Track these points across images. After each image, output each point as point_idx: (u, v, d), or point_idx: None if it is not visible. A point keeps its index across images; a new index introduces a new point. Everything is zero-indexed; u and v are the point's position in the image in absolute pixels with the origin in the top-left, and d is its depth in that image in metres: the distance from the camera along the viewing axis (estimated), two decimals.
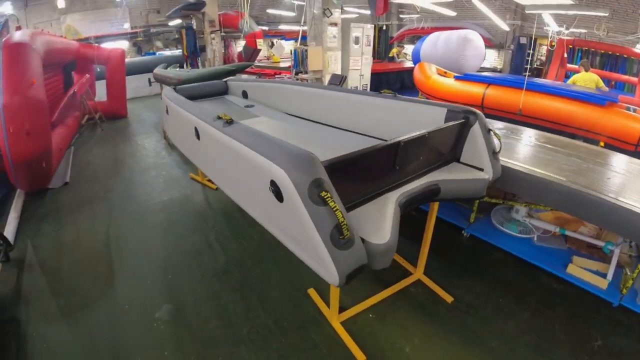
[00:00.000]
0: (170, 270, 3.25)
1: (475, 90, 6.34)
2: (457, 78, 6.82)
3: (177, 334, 2.57)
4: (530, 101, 5.50)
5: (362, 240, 1.59)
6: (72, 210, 4.51)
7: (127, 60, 8.66)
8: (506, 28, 8.52)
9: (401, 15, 13.28)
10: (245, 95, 4.73)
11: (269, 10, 13.67)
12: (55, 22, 10.75)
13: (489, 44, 11.05)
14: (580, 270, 2.81)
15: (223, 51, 9.41)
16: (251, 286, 3.02)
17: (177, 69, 7.36)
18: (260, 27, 9.65)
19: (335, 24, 5.87)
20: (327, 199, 1.38)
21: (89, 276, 3.25)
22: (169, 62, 8.98)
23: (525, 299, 2.80)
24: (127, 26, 11.65)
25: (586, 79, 5.85)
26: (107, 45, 9.53)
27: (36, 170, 4.44)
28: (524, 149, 3.41)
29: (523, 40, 10.21)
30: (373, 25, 7.01)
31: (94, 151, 6.76)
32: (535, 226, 3.24)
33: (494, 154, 2.38)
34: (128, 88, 8.78)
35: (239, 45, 10.68)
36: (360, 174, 1.89)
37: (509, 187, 2.82)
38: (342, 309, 2.71)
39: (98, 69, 8.34)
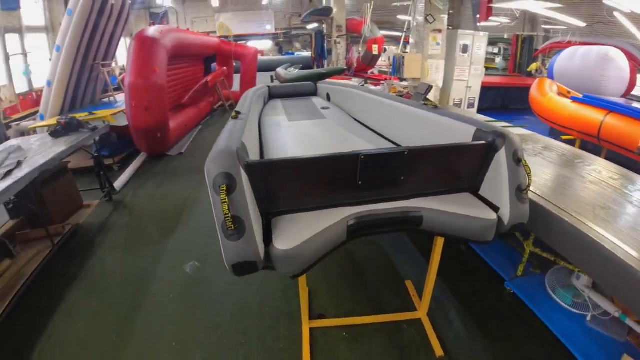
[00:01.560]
0: (212, 237, 3.65)
1: (593, 116, 4.95)
2: (574, 100, 5.47)
3: (187, 287, 3.07)
4: None
5: (270, 241, 1.58)
6: (174, 175, 5.57)
7: (260, 58, 9.78)
8: None
9: (545, 26, 11.34)
10: (328, 97, 4.89)
11: (400, 16, 13.43)
12: (210, 19, 12.90)
13: None
14: None
15: (345, 55, 9.76)
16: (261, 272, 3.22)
17: (291, 70, 7.99)
18: (394, 33, 9.63)
19: (439, 31, 5.47)
20: (221, 192, 1.42)
21: (159, 224, 4.20)
22: (295, 62, 9.78)
23: None
24: (269, 27, 13.13)
25: None
26: (253, 43, 11.03)
27: (153, 138, 5.53)
28: (599, 197, 2.41)
29: None
30: (486, 34, 6.23)
31: (215, 131, 7.94)
32: (594, 303, 2.44)
33: (518, 192, 1.82)
34: (258, 82, 9.94)
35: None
36: (306, 180, 1.77)
37: (549, 241, 2.19)
38: (320, 316, 2.68)
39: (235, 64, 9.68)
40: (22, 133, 6.01)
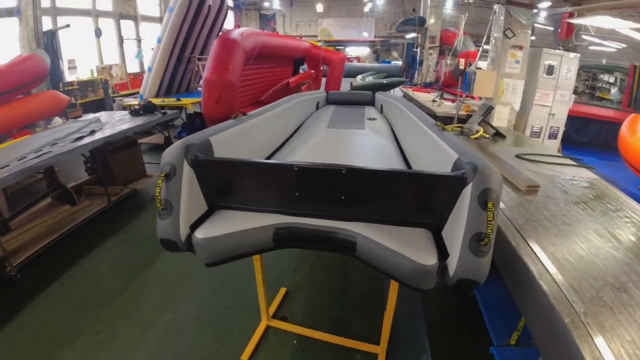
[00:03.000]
0: None
1: None
2: None
3: (193, 258, 3.56)
4: None
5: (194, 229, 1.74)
6: None
7: (349, 64, 9.92)
8: None
9: None
10: (381, 109, 4.82)
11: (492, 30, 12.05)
12: (314, 23, 13.47)
13: None
14: None
15: (435, 68, 9.30)
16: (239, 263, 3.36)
17: (368, 78, 7.94)
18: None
19: (521, 48, 4.85)
20: (160, 177, 1.66)
21: None
22: (379, 71, 9.67)
23: None
24: (365, 34, 13.15)
25: None
26: (352, 49, 11.22)
27: None
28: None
29: None
30: (578, 55, 5.24)
31: None
32: None
33: (473, 242, 1.46)
34: (343, 87, 10.11)
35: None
36: (249, 182, 1.86)
37: (525, 313, 1.70)
38: (284, 318, 2.72)
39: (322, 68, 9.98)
40: (124, 107, 7.22)
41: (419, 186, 1.68)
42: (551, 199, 2.55)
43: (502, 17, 4.79)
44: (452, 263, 1.48)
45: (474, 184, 1.49)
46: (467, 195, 1.50)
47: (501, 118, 5.26)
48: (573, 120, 7.83)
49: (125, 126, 4.37)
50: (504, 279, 2.01)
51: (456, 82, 8.98)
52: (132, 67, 10.88)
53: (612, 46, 9.52)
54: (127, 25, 10.85)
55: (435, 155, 2.09)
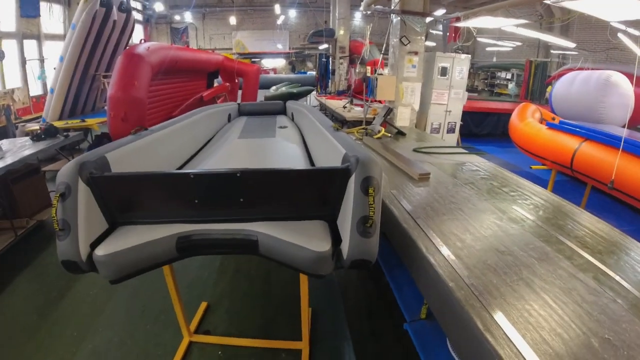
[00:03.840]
0: None
1: (568, 144, 4.56)
2: (549, 126, 5.04)
3: (108, 286, 3.24)
4: (632, 170, 3.66)
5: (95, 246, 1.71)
6: None
7: (263, 76, 10.05)
8: None
9: (555, 51, 10.76)
10: (292, 117, 4.97)
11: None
12: (228, 36, 13.50)
13: None
14: None
15: (345, 76, 9.84)
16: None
17: (282, 88, 8.14)
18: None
19: (416, 53, 5.39)
20: (55, 197, 1.64)
21: None
22: (296, 81, 9.96)
23: None
24: (280, 46, 13.52)
25: None
26: (267, 61, 11.40)
27: None
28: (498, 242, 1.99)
29: None
30: (468, 56, 6.04)
31: None
32: None
33: (360, 225, 1.63)
34: (259, 99, 10.18)
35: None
36: (146, 195, 1.85)
37: (421, 288, 1.93)
38: (206, 332, 2.71)
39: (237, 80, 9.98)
40: (27, 133, 6.54)
41: (310, 181, 1.84)
42: (441, 183, 2.92)
43: (398, 26, 5.28)
44: (345, 247, 1.65)
45: (356, 174, 1.68)
46: (352, 184, 1.68)
47: (403, 118, 5.77)
48: (473, 115, 8.82)
49: (26, 152, 4.04)
50: (402, 258, 2.25)
51: (366, 89, 9.62)
52: (35, 90, 9.85)
53: (506, 45, 10.88)
54: (30, 45, 9.83)
55: (329, 152, 2.28)
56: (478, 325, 1.33)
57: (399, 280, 3.08)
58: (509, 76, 14.21)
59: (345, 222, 1.68)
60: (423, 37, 5.40)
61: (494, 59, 14.71)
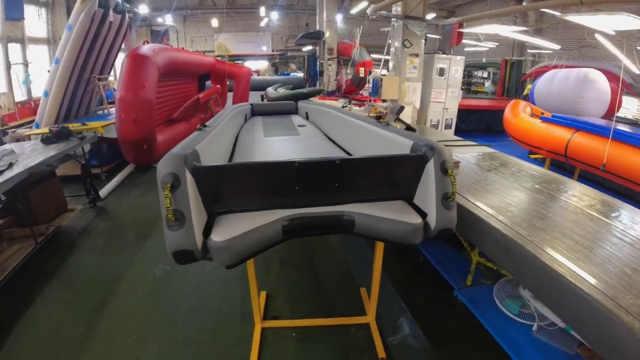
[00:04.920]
0: None
1: (560, 135, 5.17)
2: (542, 119, 5.69)
3: (154, 288, 3.25)
4: (619, 155, 4.27)
5: (208, 235, 1.78)
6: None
7: (253, 78, 10.13)
8: (637, 71, 6.68)
9: (532, 51, 11.69)
10: (307, 116, 5.14)
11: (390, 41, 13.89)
12: (210, 39, 13.43)
13: (629, 90, 8.95)
14: None
15: (335, 77, 10.12)
16: (231, 275, 3.36)
17: (279, 89, 8.28)
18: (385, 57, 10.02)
19: (417, 55, 5.77)
20: (165, 189, 1.66)
21: (136, 231, 4.40)
22: (287, 83, 10.12)
23: None
24: (264, 48, 13.62)
25: None
26: (250, 63, 11.47)
27: (140, 149, 5.76)
28: (539, 207, 2.50)
29: None
30: (463, 58, 6.54)
31: None
32: (540, 313, 2.47)
33: (444, 199, 1.98)
34: (251, 100, 10.23)
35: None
36: (249, 184, 1.97)
37: (492, 254, 2.26)
38: (274, 317, 2.84)
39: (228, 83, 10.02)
40: (18, 139, 6.24)
41: (393, 166, 2.12)
42: (470, 170, 3.33)
43: (400, 30, 5.63)
44: (432, 219, 1.97)
45: (435, 159, 2.03)
46: (431, 168, 2.02)
47: (406, 116, 6.11)
48: (459, 112, 9.39)
49: (45, 155, 3.91)
50: (460, 232, 2.59)
51: (356, 89, 9.94)
52: (20, 95, 9.30)
53: (485, 46, 11.61)
54: (13, 49, 9.27)
55: (389, 144, 2.54)
56: (540, 257, 1.78)
57: (438, 256, 3.46)
58: (485, 74, 15.10)
59: (429, 198, 2.01)
60: (423, 41, 5.78)
61: (484, 59, 15.36)
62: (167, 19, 13.78)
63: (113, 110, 7.32)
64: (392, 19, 5.68)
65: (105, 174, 6.02)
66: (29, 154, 3.99)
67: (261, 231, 1.88)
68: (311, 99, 7.33)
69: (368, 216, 2.00)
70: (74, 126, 6.05)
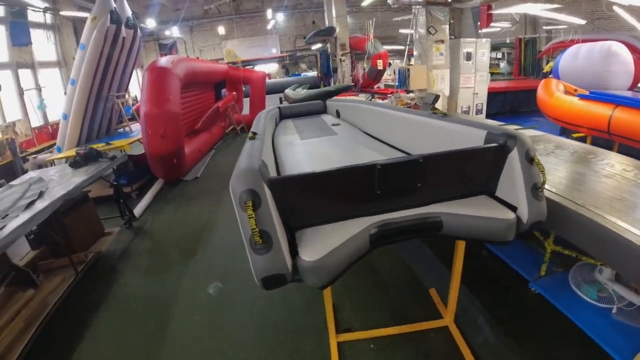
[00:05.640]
0: (234, 258, 3.78)
1: (601, 111, 4.92)
2: (580, 97, 5.45)
3: (210, 309, 3.09)
4: None
5: (296, 254, 1.62)
6: (191, 198, 5.69)
7: (268, 81, 10.02)
8: None
9: (546, 27, 11.34)
10: (338, 114, 4.98)
11: (402, 30, 13.62)
12: (218, 47, 13.37)
13: None
14: None
15: (351, 72, 9.94)
16: (283, 288, 3.19)
17: (299, 90, 8.15)
18: (397, 47, 9.84)
19: (442, 41, 5.56)
20: (247, 208, 1.49)
21: (179, 248, 4.26)
22: (302, 83, 9.99)
23: None
24: (274, 51, 13.52)
25: None
26: (260, 67, 11.37)
27: (169, 164, 5.68)
28: (614, 189, 2.42)
29: None
30: (488, 40, 6.30)
31: (228, 155, 8.12)
32: (619, 295, 2.40)
33: (534, 190, 1.84)
34: (268, 104, 10.14)
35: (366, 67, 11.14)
36: (325, 194, 1.81)
37: (570, 237, 2.17)
38: (347, 330, 2.66)
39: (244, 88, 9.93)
40: (40, 166, 6.22)
41: (474, 159, 1.95)
42: None
43: (422, 17, 5.43)
44: (523, 212, 1.82)
45: (519, 148, 1.85)
46: (515, 158, 1.85)
47: (437, 105, 5.92)
48: None
49: (76, 180, 3.78)
50: None
51: (373, 82, 9.76)
52: (35, 121, 9.34)
53: (500, 26, 11.31)
54: (24, 75, 9.31)
55: (452, 136, 2.35)
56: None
57: (505, 250, 3.26)
58: (499, 55, 14.76)
59: (516, 190, 1.85)
60: (447, 26, 5.57)
61: (508, 40, 14.99)
62: (174, 31, 13.76)
63: (134, 127, 7.29)
64: (414, 6, 5.47)
65: (136, 192, 5.94)
66: (59, 180, 3.87)
67: (351, 244, 1.71)
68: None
69: (456, 215, 1.85)
70: (98, 146, 6.00)
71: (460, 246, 2.36)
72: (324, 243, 1.67)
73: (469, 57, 6.11)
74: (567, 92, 6.04)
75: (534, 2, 4.93)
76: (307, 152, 3.32)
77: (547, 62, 11.40)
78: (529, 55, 11.90)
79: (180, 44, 13.75)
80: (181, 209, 5.34)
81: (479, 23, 5.25)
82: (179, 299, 3.24)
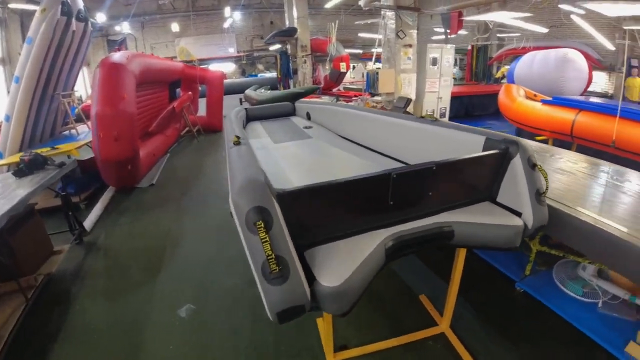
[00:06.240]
0: (206, 274, 3.45)
1: (564, 116, 5.35)
2: (544, 102, 5.88)
3: (186, 335, 2.72)
4: (627, 131, 4.44)
5: (313, 279, 1.44)
6: (148, 208, 5.17)
7: (225, 81, 9.63)
8: (611, 47, 7.16)
9: (500, 35, 12.14)
10: (308, 116, 4.84)
11: (361, 34, 13.85)
12: (170, 44, 12.72)
13: (597, 65, 9.53)
14: None
15: (312, 74, 9.85)
16: None
17: (261, 91, 7.91)
18: (354, 50, 9.91)
19: (410, 45, 5.65)
20: (259, 229, 1.28)
21: (141, 265, 3.75)
22: (262, 84, 9.73)
23: None
24: (232, 50, 13.10)
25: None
26: (215, 67, 10.93)
27: (123, 171, 5.17)
28: (598, 192, 2.66)
29: (634, 63, 8.39)
30: (453, 46, 6.56)
31: (185, 159, 7.64)
32: (603, 289, 2.54)
33: (538, 196, 1.87)
34: (225, 105, 9.73)
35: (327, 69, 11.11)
36: (336, 206, 1.66)
37: (566, 239, 2.24)
38: (343, 347, 2.51)
39: (200, 88, 9.46)
40: None
41: (481, 166, 1.94)
42: None
43: (392, 21, 5.46)
44: (528, 217, 1.85)
45: (521, 154, 1.88)
46: (518, 164, 1.88)
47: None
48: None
49: (21, 193, 3.28)
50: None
51: (335, 84, 9.75)
52: None
53: (460, 33, 11.79)
54: None
55: (450, 142, 2.34)
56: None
57: (489, 252, 3.32)
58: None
59: (520, 196, 1.88)
60: (415, 31, 5.66)
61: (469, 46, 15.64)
62: (125, 27, 12.76)
63: (80, 129, 6.60)
64: (383, 10, 5.49)
65: (84, 202, 5.32)
66: (2, 193, 3.34)
67: (371, 261, 1.58)
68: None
69: (466, 224, 1.82)
70: (43, 151, 5.33)
71: (461, 253, 2.33)
72: (342, 264, 1.51)
73: (434, 62, 6.28)
74: (527, 97, 6.42)
75: (508, 11, 5.18)
76: (285, 157, 3.15)
77: (498, 69, 12.16)
78: (480, 61, 12.61)
79: (130, 40, 12.80)
80: (138, 220, 4.81)
81: (448, 30, 5.39)
82: (147, 325, 2.83)
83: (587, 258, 2.58)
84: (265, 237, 1.27)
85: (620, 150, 4.48)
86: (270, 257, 1.27)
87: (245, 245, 1.34)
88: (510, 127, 6.83)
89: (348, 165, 2.92)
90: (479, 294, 2.97)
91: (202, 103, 9.74)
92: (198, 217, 4.69)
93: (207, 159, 7.50)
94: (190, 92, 8.53)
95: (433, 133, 2.52)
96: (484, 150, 2.04)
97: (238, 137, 2.26)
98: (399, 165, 2.74)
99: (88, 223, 4.63)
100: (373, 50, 6.32)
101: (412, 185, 1.76)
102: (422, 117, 2.71)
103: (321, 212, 1.63)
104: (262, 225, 1.29)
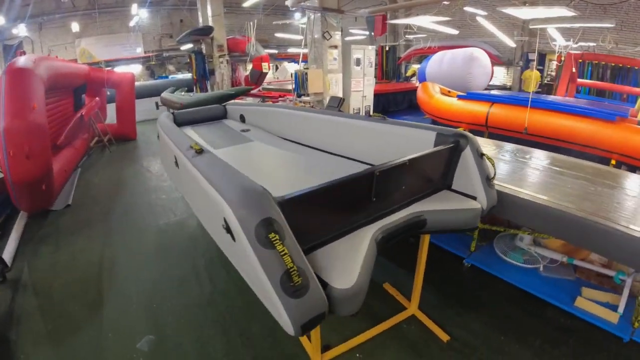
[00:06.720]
0: (157, 298, 3.16)
1: (479, 109, 6.20)
2: (460, 97, 6.70)
3: None
4: (536, 119, 5.33)
5: (325, 284, 1.47)
6: (71, 232, 4.54)
7: (137, 83, 8.85)
8: (512, 45, 8.43)
9: (407, 36, 13.32)
10: (242, 119, 4.71)
11: (277, 34, 13.88)
12: (70, 46, 11.25)
13: (497, 61, 10.98)
14: (589, 303, 2.59)
15: (231, 75, 9.56)
16: (234, 319, 2.87)
17: (182, 93, 7.48)
18: (269, 50, 9.85)
19: (336, 47, 5.88)
20: (275, 242, 1.27)
21: (79, 299, 3.24)
22: (178, 85, 9.17)
23: (529, 337, 2.57)
24: (139, 50, 12.06)
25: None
26: (121, 68, 9.93)
27: (37, 192, 4.48)
28: (525, 172, 3.21)
29: (532, 57, 10.01)
30: (374, 47, 7.02)
31: (99, 173, 6.84)
32: (542, 255, 3.02)
33: (487, 181, 2.20)
34: (138, 111, 8.94)
35: (247, 69, 10.89)
36: (328, 208, 1.73)
37: (508, 215, 2.65)
38: (327, 347, 2.56)
39: (108, 92, 8.55)
40: None
41: (438, 159, 2.22)
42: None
43: (317, 22, 5.61)
44: (482, 200, 2.19)
45: (470, 147, 2.21)
46: (469, 155, 2.20)
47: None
48: None
49: None
50: None
51: (256, 85, 9.60)
52: None
53: (364, 34, 12.31)
54: None
55: (403, 138, 2.59)
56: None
57: (438, 236, 3.66)
58: None
59: (473, 183, 2.20)
60: (339, 32, 5.90)
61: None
62: (21, 30, 10.75)
63: None
64: (309, 11, 5.61)
65: None
66: None
67: (369, 257, 1.71)
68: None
69: (435, 212, 2.08)
70: None
71: (426, 239, 2.57)
72: (346, 265, 1.59)
73: (358, 62, 6.62)
74: (442, 93, 7.18)
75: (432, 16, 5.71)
76: (234, 163, 3.09)
77: (406, 67, 13.20)
78: (390, 61, 13.58)
79: (27, 43, 10.82)
80: (62, 248, 4.15)
81: (372, 33, 5.72)
82: None
83: (525, 230, 3.04)
84: (284, 250, 1.26)
85: (531, 135, 5.35)
86: (293, 269, 1.26)
87: (253, 261, 1.29)
88: (425, 120, 7.57)
89: (305, 166, 2.96)
90: (434, 274, 3.25)
91: (112, 109, 8.80)
92: (130, 238, 4.25)
93: (125, 172, 6.83)
94: (97, 98, 7.65)
95: (383, 131, 2.71)
96: (435, 145, 2.32)
97: (199, 146, 2.19)
98: (352, 163, 2.88)
99: (7, 256, 3.90)
100: (300, 50, 6.39)
101: (389, 181, 1.92)
102: (370, 116, 2.90)
103: (316, 215, 1.69)
104: (277, 237, 1.27)
